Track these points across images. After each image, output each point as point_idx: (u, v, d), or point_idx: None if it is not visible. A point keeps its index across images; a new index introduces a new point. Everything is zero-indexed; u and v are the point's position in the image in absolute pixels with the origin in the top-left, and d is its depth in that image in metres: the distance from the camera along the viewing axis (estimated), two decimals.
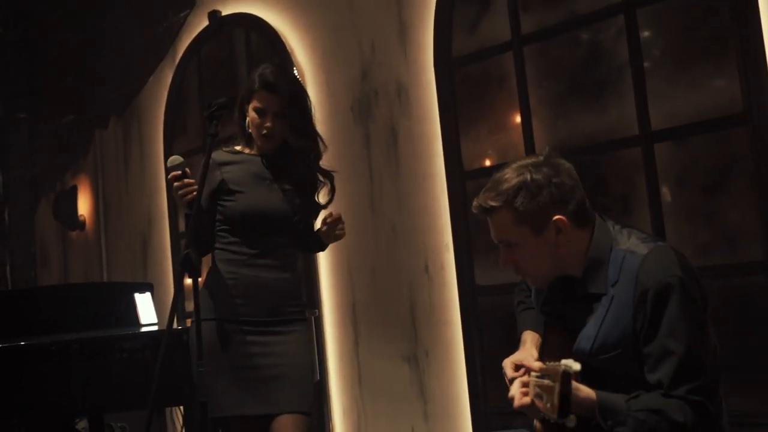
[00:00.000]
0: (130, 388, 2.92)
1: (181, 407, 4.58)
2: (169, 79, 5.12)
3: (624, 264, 1.81)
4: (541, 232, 1.83)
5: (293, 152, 2.57)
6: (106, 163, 5.74)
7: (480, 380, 3.52)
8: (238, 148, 2.64)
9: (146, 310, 3.71)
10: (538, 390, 1.64)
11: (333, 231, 2.58)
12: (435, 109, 3.66)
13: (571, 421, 1.58)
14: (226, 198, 2.56)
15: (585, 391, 1.71)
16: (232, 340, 2.50)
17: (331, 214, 2.58)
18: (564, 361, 1.57)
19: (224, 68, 4.80)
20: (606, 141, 3.15)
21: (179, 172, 2.41)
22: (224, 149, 2.63)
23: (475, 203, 1.89)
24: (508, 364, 2.04)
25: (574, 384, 1.69)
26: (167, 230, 5.16)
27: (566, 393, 1.53)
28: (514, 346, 3.52)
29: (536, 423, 1.98)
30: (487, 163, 3.62)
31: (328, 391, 4.03)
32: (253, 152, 2.62)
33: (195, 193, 2.40)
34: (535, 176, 1.81)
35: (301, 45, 4.26)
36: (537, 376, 1.66)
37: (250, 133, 2.58)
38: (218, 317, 2.50)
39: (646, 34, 3.06)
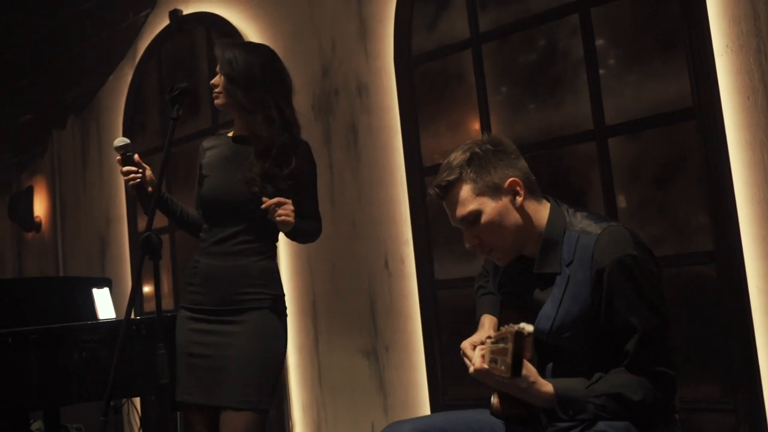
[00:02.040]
0: (88, 380, 2.89)
1: (138, 406, 4.56)
2: (129, 78, 5.09)
3: (578, 244, 1.87)
4: (500, 197, 1.89)
5: (258, 125, 2.51)
6: (63, 163, 5.68)
7: (439, 373, 3.56)
8: (225, 132, 2.70)
9: (104, 305, 3.68)
10: (492, 355, 1.69)
11: (272, 218, 2.43)
12: (395, 106, 3.71)
13: (523, 381, 1.62)
14: (201, 183, 2.62)
15: (543, 384, 1.76)
16: (187, 328, 2.53)
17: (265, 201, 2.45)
18: (516, 325, 1.61)
19: (185, 67, 4.79)
20: (562, 136, 3.22)
21: (119, 157, 2.50)
22: (217, 134, 2.68)
23: (430, 190, 1.95)
24: (467, 345, 2.09)
25: (537, 377, 1.75)
26: (126, 231, 5.12)
27: (518, 352, 1.57)
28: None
29: (494, 399, 2.03)
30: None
31: (288, 386, 4.04)
32: (230, 133, 2.66)
33: (138, 179, 2.47)
34: (481, 147, 1.91)
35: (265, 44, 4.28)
36: (492, 342, 1.71)
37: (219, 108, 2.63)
38: (180, 305, 2.58)
39: (599, 32, 3.14)
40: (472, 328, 3.50)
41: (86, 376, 2.87)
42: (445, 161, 1.94)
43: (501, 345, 1.64)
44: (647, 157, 3.04)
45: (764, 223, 2.73)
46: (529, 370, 1.76)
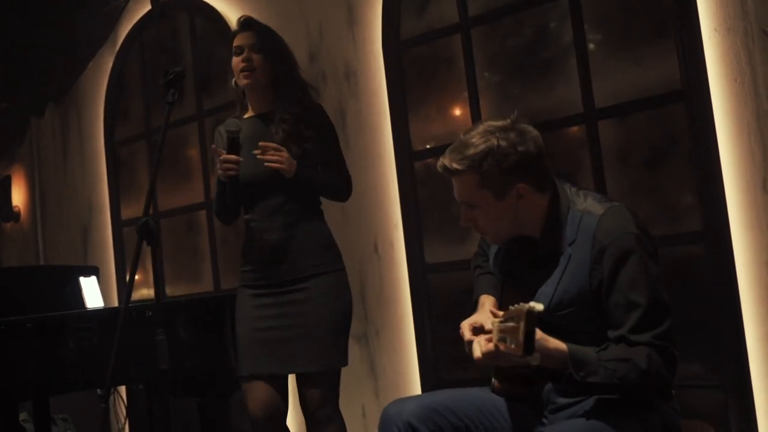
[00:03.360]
0: (81, 369, 2.86)
1: (125, 396, 4.53)
2: (110, 65, 5.04)
3: (581, 224, 1.89)
4: (504, 198, 1.89)
5: (282, 97, 2.65)
6: (42, 151, 5.61)
7: (431, 356, 3.58)
8: (239, 115, 2.76)
9: (92, 294, 3.64)
10: (501, 335, 1.71)
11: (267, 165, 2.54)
12: (383, 91, 3.71)
13: (535, 359, 1.64)
14: None
15: (555, 342, 1.77)
16: (252, 305, 2.64)
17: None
18: (527, 304, 1.63)
19: (168, 53, 4.75)
20: (551, 119, 3.25)
21: (227, 140, 2.56)
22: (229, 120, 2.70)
23: (440, 162, 1.94)
24: (466, 326, 2.10)
25: (544, 335, 1.76)
26: (109, 220, 5.08)
27: (531, 330, 1.59)
28: (465, 319, 3.60)
29: (494, 381, 2.06)
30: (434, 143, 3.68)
31: None
32: (248, 115, 2.74)
33: (237, 172, 2.54)
34: (501, 143, 1.85)
35: None
36: (500, 321, 1.73)
37: (244, 96, 2.73)
38: (241, 284, 2.68)
39: (588, 15, 3.17)
40: (464, 310, 3.52)
41: (79, 366, 2.85)
42: (462, 138, 1.91)
43: (511, 324, 1.65)
44: (636, 139, 3.08)
45: (751, 202, 2.78)
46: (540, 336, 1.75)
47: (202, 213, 4.51)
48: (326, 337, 2.59)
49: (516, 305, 1.65)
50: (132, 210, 4.95)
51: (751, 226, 2.77)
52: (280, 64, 2.68)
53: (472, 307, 2.20)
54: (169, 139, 4.56)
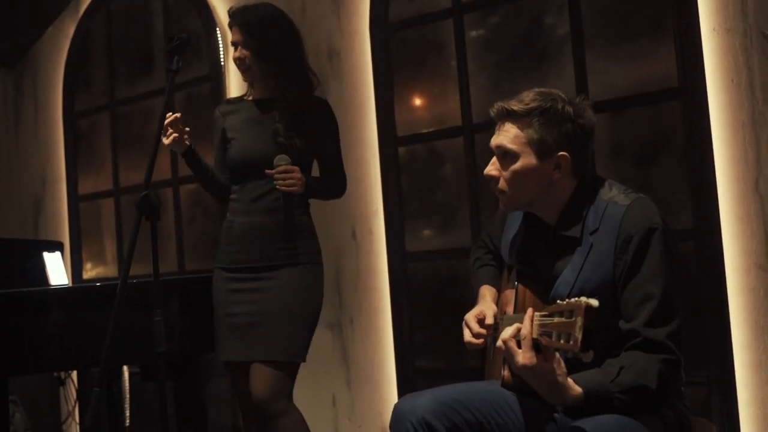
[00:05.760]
0: (48, 349, 2.71)
1: (75, 380, 4.35)
2: (71, 32, 4.81)
3: (606, 213, 1.86)
4: (543, 160, 1.85)
5: (282, 87, 2.59)
6: None
7: (407, 346, 3.53)
8: (243, 96, 2.73)
9: (56, 270, 3.48)
10: (543, 329, 1.66)
11: (279, 187, 2.53)
12: (368, 73, 3.63)
13: (589, 357, 1.60)
14: (227, 146, 2.65)
15: (571, 387, 1.72)
16: (226, 289, 2.58)
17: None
18: (582, 298, 1.59)
19: (137, 23, 4.56)
20: None
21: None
22: (228, 99, 2.72)
23: (496, 105, 1.89)
24: (471, 318, 2.06)
25: (565, 375, 1.70)
26: (64, 193, 4.86)
27: (590, 327, 1.55)
28: (444, 310, 3.57)
29: (505, 372, 2.01)
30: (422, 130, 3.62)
31: None
32: (250, 97, 2.69)
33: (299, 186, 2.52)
34: (567, 107, 1.84)
35: (224, 3, 4.11)
36: (543, 315, 1.68)
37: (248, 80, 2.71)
38: (216, 266, 2.62)
39: (587, 8, 3.14)
40: (445, 300, 3.49)
41: (42, 346, 2.69)
42: (527, 92, 1.88)
43: (560, 319, 1.61)
44: (630, 135, 3.07)
45: (742, 202, 2.80)
46: (561, 367, 1.71)
47: (168, 190, 4.35)
48: (287, 329, 2.54)
49: (571, 300, 1.61)
50: (90, 184, 4.76)
51: (742, 226, 2.79)
52: (272, 59, 2.60)
53: (473, 299, 2.16)
54: (138, 111, 4.41)
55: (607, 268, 1.83)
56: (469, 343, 2.03)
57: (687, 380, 2.86)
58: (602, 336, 1.79)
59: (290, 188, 2.51)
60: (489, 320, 2.03)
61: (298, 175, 2.51)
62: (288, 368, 2.52)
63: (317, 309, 2.65)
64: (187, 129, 2.54)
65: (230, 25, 2.66)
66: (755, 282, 2.76)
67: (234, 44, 2.63)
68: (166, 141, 2.49)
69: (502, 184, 1.91)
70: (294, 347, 2.53)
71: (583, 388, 1.72)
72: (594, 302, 1.56)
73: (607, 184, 1.93)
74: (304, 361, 2.58)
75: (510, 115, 1.86)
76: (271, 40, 2.60)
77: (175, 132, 2.49)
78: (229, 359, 2.59)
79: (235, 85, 4.00)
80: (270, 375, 2.47)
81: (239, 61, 2.62)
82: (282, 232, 2.56)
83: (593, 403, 1.73)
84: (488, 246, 2.28)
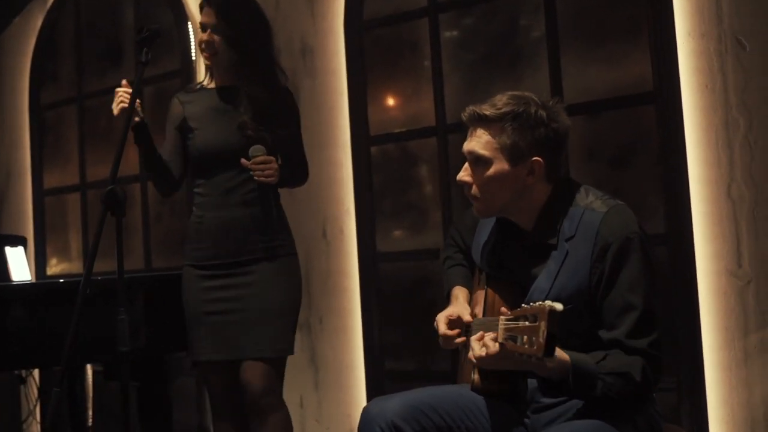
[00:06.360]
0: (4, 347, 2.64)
1: (37, 378, 4.25)
2: (39, 22, 4.71)
3: (582, 220, 1.83)
4: (516, 165, 1.82)
5: (248, 79, 2.51)
6: None
7: (377, 347, 3.49)
8: (202, 84, 2.64)
9: (18, 265, 3.39)
10: (508, 333, 1.63)
11: (256, 178, 2.45)
12: (342, 70, 3.59)
13: (553, 362, 1.58)
14: (189, 136, 2.55)
15: (560, 351, 1.70)
16: (199, 287, 2.51)
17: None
18: (546, 302, 1.56)
19: (107, 14, 4.48)
20: None
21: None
22: (186, 88, 2.64)
23: (467, 110, 1.85)
24: (441, 319, 2.03)
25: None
26: (29, 187, 4.76)
27: (553, 331, 1.52)
28: (414, 312, 3.53)
29: (474, 376, 1.98)
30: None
31: None
32: (212, 85, 2.59)
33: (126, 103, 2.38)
34: (540, 111, 1.80)
35: None
36: (508, 319, 1.65)
37: (209, 65, 2.58)
38: (187, 263, 2.54)
39: (563, 10, 3.13)
40: (416, 301, 3.45)
41: (6, 343, 2.62)
42: (499, 96, 1.84)
43: (525, 323, 1.58)
44: (604, 138, 3.07)
45: (715, 206, 2.80)
46: None
47: (136, 186, 4.27)
48: (275, 323, 2.50)
49: (533, 304, 1.58)
50: (56, 178, 4.66)
51: (714, 230, 2.79)
52: (243, 47, 2.53)
53: (444, 300, 2.13)
54: (104, 106, 4.31)
55: (584, 276, 1.80)
56: (444, 337, 2.00)
57: (658, 386, 2.90)
58: (577, 342, 1.78)
59: (268, 179, 2.44)
60: (466, 318, 1.99)
61: (275, 165, 2.45)
62: (278, 363, 2.52)
63: (299, 301, 2.62)
64: (138, 101, 2.43)
65: (202, 6, 2.57)
66: (726, 286, 2.76)
67: (203, 26, 2.54)
68: (115, 108, 2.43)
69: (474, 190, 1.88)
70: (282, 341, 2.51)
71: (570, 357, 1.70)
72: (558, 306, 1.53)
73: (583, 189, 1.91)
74: (292, 353, 2.57)
75: (482, 120, 1.83)
76: (244, 29, 2.52)
77: (123, 101, 2.40)
78: (210, 359, 2.52)
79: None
80: (263, 370, 2.45)
81: (206, 44, 2.52)
82: (259, 225, 2.50)
83: (576, 378, 1.71)
84: (459, 245, 2.24)
